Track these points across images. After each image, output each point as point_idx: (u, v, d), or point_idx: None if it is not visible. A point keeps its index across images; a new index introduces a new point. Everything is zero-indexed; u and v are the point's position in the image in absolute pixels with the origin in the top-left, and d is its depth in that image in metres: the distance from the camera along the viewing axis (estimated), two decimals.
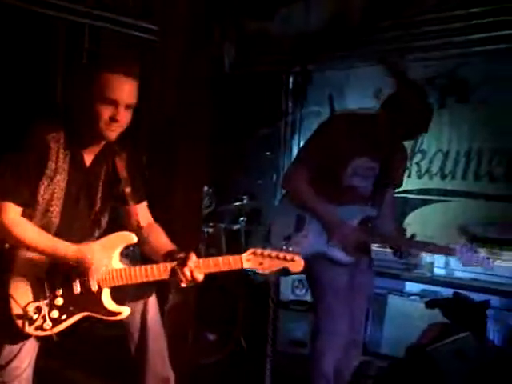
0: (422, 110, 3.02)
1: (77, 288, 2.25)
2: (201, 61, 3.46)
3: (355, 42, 5.50)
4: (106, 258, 2.24)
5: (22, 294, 2.19)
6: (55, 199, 2.26)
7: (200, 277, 2.24)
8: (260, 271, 2.22)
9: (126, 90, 2.19)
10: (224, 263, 2.24)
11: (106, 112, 2.16)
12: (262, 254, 2.21)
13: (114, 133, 2.23)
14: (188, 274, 2.21)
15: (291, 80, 6.37)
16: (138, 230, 2.42)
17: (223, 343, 4.24)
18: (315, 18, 5.67)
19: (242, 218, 5.06)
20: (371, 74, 5.75)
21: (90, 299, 2.25)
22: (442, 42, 5.09)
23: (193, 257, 2.23)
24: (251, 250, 2.23)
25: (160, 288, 3.14)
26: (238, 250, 4.88)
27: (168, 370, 2.53)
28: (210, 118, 3.53)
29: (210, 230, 4.82)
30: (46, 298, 2.22)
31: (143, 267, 2.26)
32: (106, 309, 2.26)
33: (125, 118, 2.22)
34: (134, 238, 2.29)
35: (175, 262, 2.25)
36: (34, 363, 2.42)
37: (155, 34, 3.91)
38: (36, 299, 2.21)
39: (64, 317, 2.23)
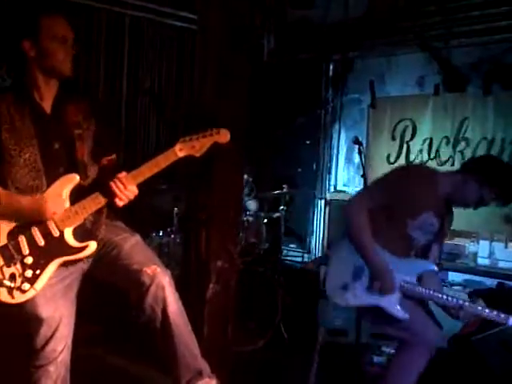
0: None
1: (40, 240, 2.32)
2: (241, 50, 3.44)
3: (397, 28, 5.41)
4: (57, 202, 2.32)
5: None
6: (30, 153, 2.34)
7: (133, 188, 2.32)
8: (197, 154, 2.34)
9: (68, 27, 2.39)
10: (160, 161, 2.33)
11: (59, 52, 2.35)
12: (190, 139, 2.34)
13: (68, 66, 2.39)
14: (120, 185, 2.29)
15: (331, 68, 6.32)
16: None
17: (263, 331, 4.24)
18: (356, 5, 5.60)
19: (281, 207, 5.05)
20: (413, 62, 5.67)
21: (55, 245, 2.32)
22: (487, 27, 4.97)
23: (122, 173, 2.33)
24: (180, 140, 2.34)
25: (201, 278, 3.19)
26: (278, 239, 4.96)
27: (200, 362, 2.55)
28: (249, 106, 3.52)
29: (250, 219, 4.82)
30: (15, 263, 2.29)
31: (89, 197, 2.35)
32: (72, 248, 2.34)
33: (72, 50, 2.40)
34: (77, 177, 2.35)
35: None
36: (76, 350, 2.48)
37: (195, 23, 3.91)
38: (7, 266, 2.28)
39: (38, 272, 2.30)
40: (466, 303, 2.74)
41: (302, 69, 6.19)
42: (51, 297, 2.34)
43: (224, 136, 2.38)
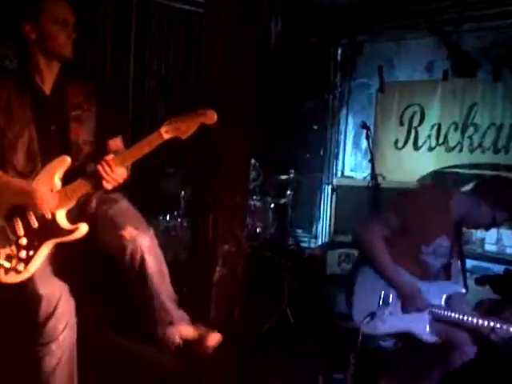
0: None
1: (34, 222, 2.34)
2: (248, 33, 3.42)
3: (407, 11, 5.36)
4: (48, 185, 2.33)
5: None
6: (27, 136, 2.36)
7: (121, 171, 2.31)
8: (183, 136, 2.29)
9: (69, 11, 2.40)
10: (146, 144, 2.31)
11: (61, 35, 2.35)
12: (176, 121, 2.29)
13: (69, 49, 2.39)
14: (107, 168, 2.28)
15: (340, 52, 6.28)
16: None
17: (270, 316, 4.26)
18: None
19: (288, 192, 5.04)
20: (423, 46, 5.63)
21: (48, 227, 2.35)
22: (499, 11, 4.92)
23: (110, 156, 2.32)
24: (166, 122, 2.30)
25: (208, 262, 3.19)
26: (285, 224, 4.95)
27: (172, 314, 2.61)
28: (257, 90, 3.50)
29: (257, 204, 4.82)
30: (11, 244, 2.33)
31: (77, 180, 2.36)
32: (64, 230, 2.35)
33: (74, 33, 2.40)
34: (68, 160, 2.36)
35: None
36: (84, 332, 2.50)
37: (202, 6, 3.88)
38: (3, 247, 2.32)
39: (31, 253, 2.33)
40: (498, 325, 2.72)
41: (310, 53, 6.14)
42: (49, 274, 2.39)
43: (210, 117, 2.33)
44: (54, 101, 2.44)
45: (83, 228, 2.37)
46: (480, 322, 2.76)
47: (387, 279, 2.83)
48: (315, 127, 6.34)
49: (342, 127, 6.32)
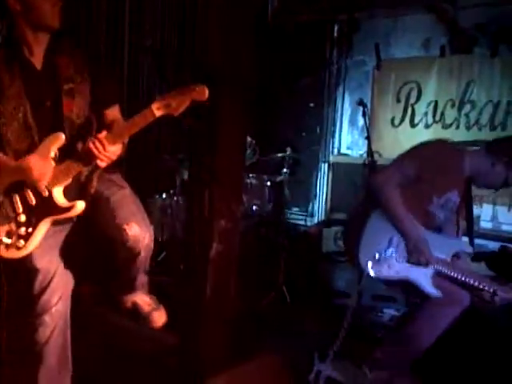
0: None
1: (31, 199, 2.35)
2: (245, 9, 3.38)
3: None
4: (43, 162, 2.32)
5: None
6: (21, 112, 2.33)
7: (114, 148, 2.29)
8: (175, 113, 2.25)
9: None
10: (137, 121, 2.28)
11: (46, 7, 2.28)
12: (167, 98, 2.25)
13: (56, 20, 2.33)
14: (99, 146, 2.26)
15: (336, 29, 6.22)
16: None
17: (266, 292, 4.28)
18: None
19: (284, 170, 5.03)
20: (419, 23, 5.58)
21: (45, 204, 2.35)
22: None
23: (103, 133, 2.30)
24: (157, 99, 2.27)
25: (204, 238, 3.19)
26: (281, 201, 4.97)
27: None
28: (253, 67, 3.47)
29: (254, 181, 4.82)
30: (11, 220, 2.35)
31: (72, 157, 2.35)
32: (60, 207, 2.36)
33: (59, 10, 2.33)
34: (62, 136, 2.34)
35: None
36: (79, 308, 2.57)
37: None
38: (4, 223, 2.34)
39: (30, 230, 2.35)
40: (500, 289, 2.75)
41: (307, 30, 6.09)
42: (46, 249, 2.41)
43: (202, 93, 2.26)
44: (45, 74, 2.40)
45: (80, 206, 2.36)
46: (482, 285, 2.78)
47: (400, 229, 2.84)
48: (312, 105, 6.31)
49: (339, 105, 6.29)
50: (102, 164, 2.33)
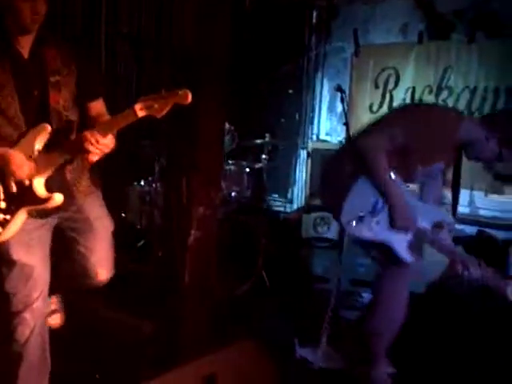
0: None
1: (13, 187, 2.34)
2: None
3: None
4: (27, 152, 2.31)
5: None
6: (8, 103, 2.31)
7: (105, 141, 2.27)
8: (157, 115, 2.26)
9: None
10: (120, 120, 2.28)
11: (24, 8, 2.25)
12: (150, 99, 2.25)
13: (36, 24, 2.32)
14: (92, 138, 2.25)
15: (315, 15, 6.21)
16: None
17: (246, 279, 4.29)
18: None
19: (264, 156, 5.03)
20: (398, 9, 5.59)
21: (25, 193, 2.34)
22: None
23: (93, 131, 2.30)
24: (140, 99, 2.27)
25: (183, 225, 3.19)
26: (261, 188, 4.97)
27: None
28: (231, 53, 3.46)
29: (232, 168, 4.81)
30: None
31: (56, 149, 2.35)
32: (39, 197, 2.36)
33: (43, 8, 2.30)
34: (48, 127, 2.33)
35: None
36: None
37: None
38: None
39: (8, 217, 2.34)
40: (472, 264, 2.77)
41: (285, 16, 6.07)
42: (27, 242, 2.39)
43: (185, 97, 2.24)
44: (32, 65, 2.37)
45: (58, 198, 2.36)
46: (455, 257, 2.83)
47: (386, 195, 2.81)
48: (290, 91, 6.31)
49: (317, 91, 6.29)
50: (95, 158, 2.30)
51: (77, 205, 2.52)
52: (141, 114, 2.25)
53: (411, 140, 2.77)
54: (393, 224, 2.80)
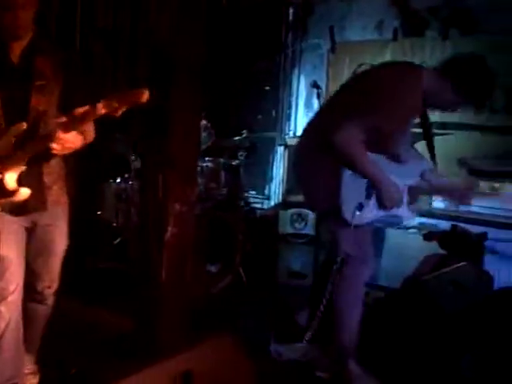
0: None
1: None
2: None
3: None
4: (3, 149, 2.32)
5: None
6: None
7: (67, 137, 2.28)
8: (116, 115, 2.24)
9: None
10: (81, 117, 2.26)
11: (6, 17, 2.29)
12: (111, 98, 2.23)
13: (23, 32, 2.37)
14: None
15: (291, 12, 6.22)
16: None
17: (223, 275, 4.30)
18: None
19: (241, 153, 5.03)
20: (373, 6, 5.62)
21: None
22: None
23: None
24: (103, 99, 2.26)
25: (159, 222, 3.18)
26: (238, 184, 4.97)
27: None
28: (207, 49, 3.45)
29: (209, 165, 4.80)
30: None
31: (27, 145, 2.34)
32: (7, 191, 2.35)
33: (24, 18, 2.33)
34: (24, 125, 2.32)
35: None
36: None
37: None
38: None
39: None
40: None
41: (262, 12, 6.07)
42: (5, 236, 2.42)
43: (141, 96, 2.21)
44: (21, 71, 2.41)
45: (24, 192, 2.36)
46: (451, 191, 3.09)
47: (372, 182, 2.86)
48: (267, 88, 6.31)
49: (294, 88, 6.30)
50: (57, 148, 2.30)
51: (47, 211, 2.54)
52: (101, 112, 2.23)
53: (380, 109, 2.78)
54: (382, 206, 2.89)
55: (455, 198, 3.12)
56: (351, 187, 2.86)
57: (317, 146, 2.92)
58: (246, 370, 2.66)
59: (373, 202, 2.91)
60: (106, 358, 3.05)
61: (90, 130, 2.52)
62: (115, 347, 3.16)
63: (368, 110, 2.78)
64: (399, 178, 2.93)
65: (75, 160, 2.72)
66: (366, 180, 2.87)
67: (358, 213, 2.85)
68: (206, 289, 4.13)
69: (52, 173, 2.54)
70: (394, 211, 2.95)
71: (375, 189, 2.88)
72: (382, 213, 2.94)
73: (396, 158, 2.97)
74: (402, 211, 3.00)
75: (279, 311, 3.71)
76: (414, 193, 3.03)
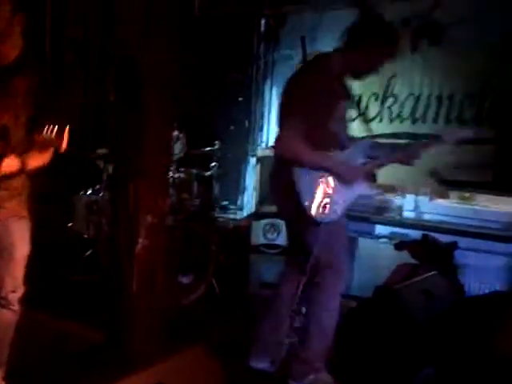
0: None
1: None
2: (169, 1, 3.35)
3: None
4: None
5: None
6: None
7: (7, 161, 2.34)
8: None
9: None
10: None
11: None
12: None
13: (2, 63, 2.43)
14: None
15: (263, 23, 6.25)
16: None
17: (196, 286, 4.27)
18: None
19: (213, 164, 5.02)
20: (346, 17, 5.66)
21: None
22: None
23: None
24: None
25: (130, 234, 3.16)
26: (210, 196, 4.95)
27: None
28: (178, 60, 3.45)
29: (182, 176, 4.78)
30: None
31: None
32: None
33: (10, 52, 2.44)
34: None
35: None
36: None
37: None
38: None
39: None
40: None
41: (234, 23, 6.09)
42: None
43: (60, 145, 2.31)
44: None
45: None
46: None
47: (325, 168, 2.91)
48: (240, 99, 6.33)
49: (267, 99, 6.33)
50: None
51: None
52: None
53: (304, 105, 2.86)
54: (344, 182, 2.92)
55: (403, 160, 3.13)
56: (310, 183, 2.91)
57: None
58: (219, 381, 2.65)
59: (336, 194, 2.92)
60: (77, 370, 3.00)
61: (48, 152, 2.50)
62: (86, 360, 3.12)
63: (295, 111, 2.91)
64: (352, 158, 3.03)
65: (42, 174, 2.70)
66: (319, 176, 2.91)
67: (326, 212, 2.87)
68: (178, 300, 4.10)
69: (8, 188, 2.52)
70: (357, 190, 2.99)
71: (331, 173, 2.92)
72: (348, 200, 2.97)
73: (341, 148, 3.03)
74: (365, 189, 3.06)
75: (250, 322, 3.69)
76: (370, 168, 3.10)
